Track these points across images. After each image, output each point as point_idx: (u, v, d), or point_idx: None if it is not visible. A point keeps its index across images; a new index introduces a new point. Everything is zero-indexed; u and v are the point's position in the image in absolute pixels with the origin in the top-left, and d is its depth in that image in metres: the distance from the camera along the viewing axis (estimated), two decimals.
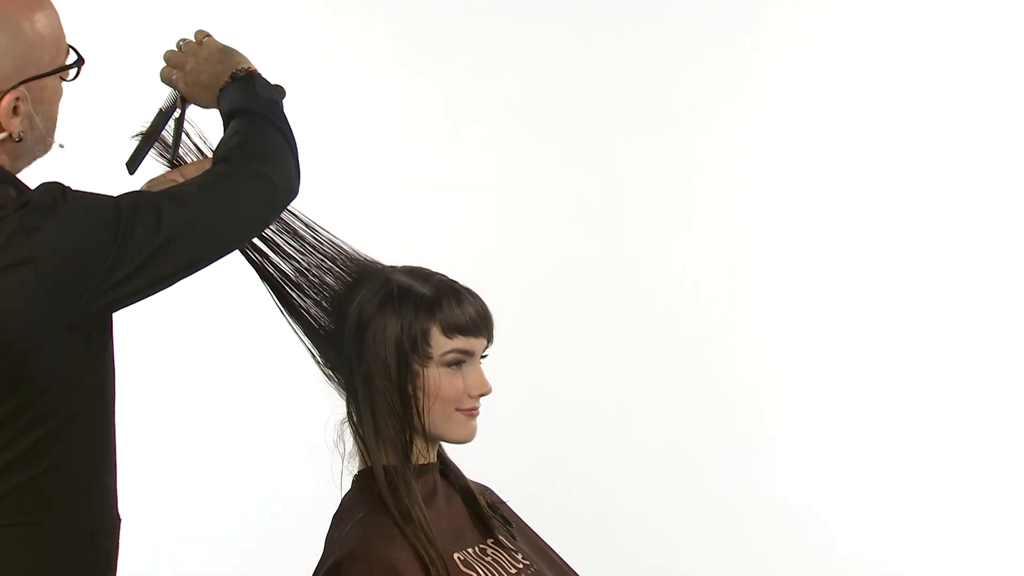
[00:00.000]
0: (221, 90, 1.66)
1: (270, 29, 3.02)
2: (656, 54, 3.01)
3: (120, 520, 1.58)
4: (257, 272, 1.72)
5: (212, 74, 1.68)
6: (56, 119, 1.55)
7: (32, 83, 1.48)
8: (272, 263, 1.71)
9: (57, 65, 1.52)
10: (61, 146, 1.56)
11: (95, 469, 1.50)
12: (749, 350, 2.95)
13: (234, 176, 1.53)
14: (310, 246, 1.72)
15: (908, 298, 2.91)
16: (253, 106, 1.62)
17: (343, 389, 1.63)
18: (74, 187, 1.46)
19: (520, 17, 3.03)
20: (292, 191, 1.58)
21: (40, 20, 1.49)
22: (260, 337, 2.79)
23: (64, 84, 1.55)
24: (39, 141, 1.53)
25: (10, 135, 1.47)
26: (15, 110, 1.47)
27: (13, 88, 1.46)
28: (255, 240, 1.72)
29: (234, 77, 1.66)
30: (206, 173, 1.54)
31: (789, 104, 2.97)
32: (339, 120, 3.03)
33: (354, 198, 2.94)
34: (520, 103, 3.02)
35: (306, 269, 1.69)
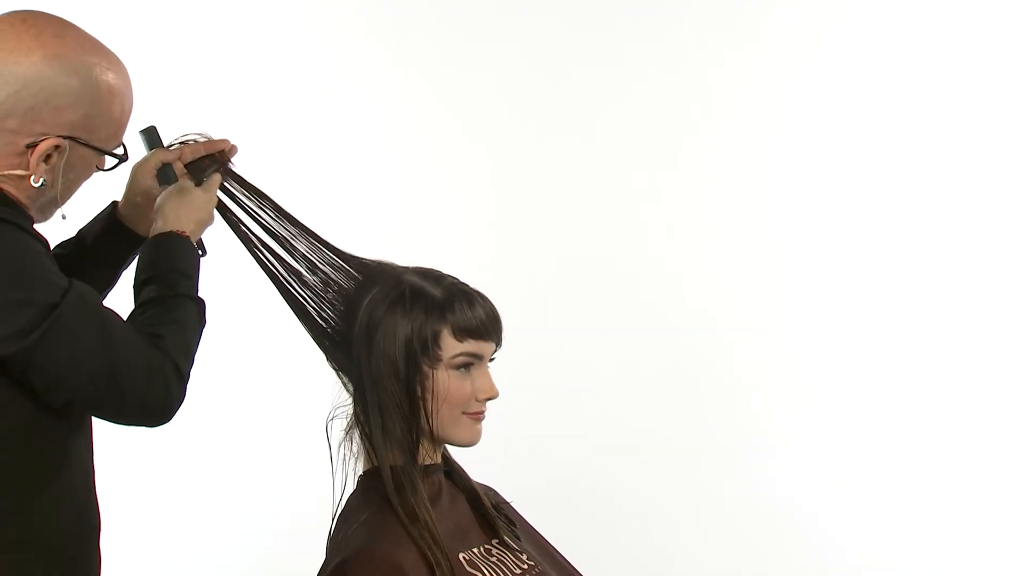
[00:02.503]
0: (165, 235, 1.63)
1: (266, 29, 3.01)
2: (656, 52, 3.00)
3: (99, 527, 1.56)
4: (265, 271, 1.72)
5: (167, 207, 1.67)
6: (72, 193, 1.56)
7: (76, 145, 1.48)
8: (282, 261, 1.71)
9: (106, 147, 1.52)
10: (64, 217, 1.56)
11: (42, 483, 1.46)
12: (749, 351, 2.95)
13: (159, 361, 1.48)
14: (320, 244, 1.72)
15: (906, 299, 2.91)
16: (192, 289, 1.60)
17: (350, 389, 1.63)
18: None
19: (517, 13, 3.02)
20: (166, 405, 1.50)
21: (118, 105, 1.52)
22: (265, 337, 2.79)
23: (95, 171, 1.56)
24: (50, 204, 1.53)
25: (30, 178, 1.46)
26: (48, 158, 1.47)
27: (59, 137, 1.46)
28: (265, 238, 1.72)
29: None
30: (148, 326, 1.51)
31: (789, 104, 2.96)
32: (336, 121, 3.02)
33: (353, 199, 2.94)
34: (519, 103, 3.01)
35: (316, 267, 1.69)
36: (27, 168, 1.46)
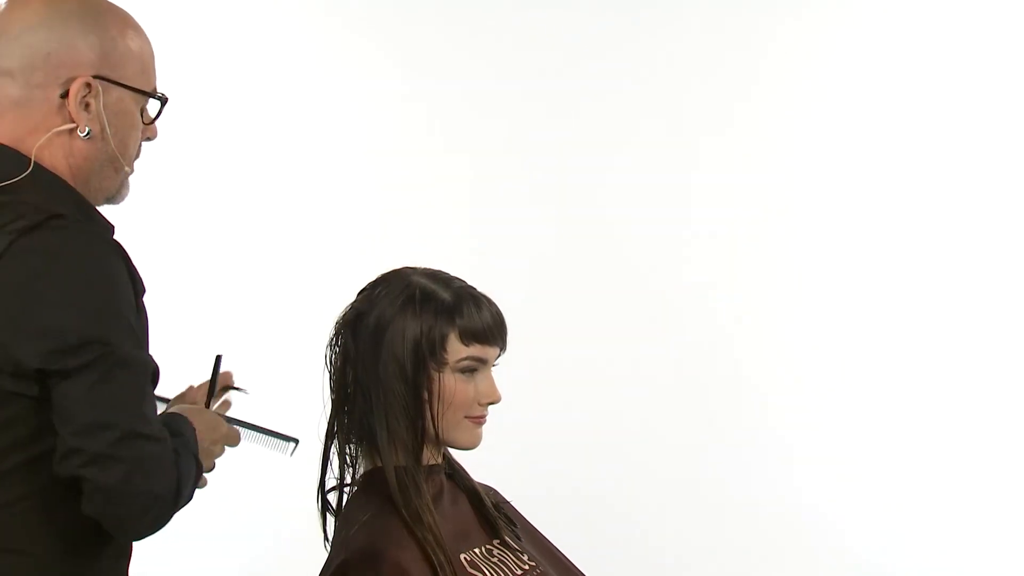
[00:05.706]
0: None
1: (258, 30, 3.00)
2: (654, 49, 3.00)
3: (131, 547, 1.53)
4: None
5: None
6: (130, 150, 1.53)
7: (107, 85, 1.48)
8: None
9: (136, 85, 1.51)
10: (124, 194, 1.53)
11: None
12: (755, 352, 2.95)
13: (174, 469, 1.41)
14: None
15: (914, 300, 2.91)
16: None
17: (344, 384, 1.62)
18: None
19: (511, 14, 3.01)
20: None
21: (131, 37, 1.51)
22: (267, 338, 2.79)
23: (144, 126, 1.54)
24: (109, 164, 1.50)
25: (77, 130, 1.46)
26: (86, 105, 1.47)
27: (85, 76, 1.46)
28: None
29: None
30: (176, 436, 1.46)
31: (794, 105, 2.97)
32: (330, 122, 3.01)
33: (350, 200, 2.94)
34: (518, 102, 3.01)
35: None
36: (69, 119, 1.46)
